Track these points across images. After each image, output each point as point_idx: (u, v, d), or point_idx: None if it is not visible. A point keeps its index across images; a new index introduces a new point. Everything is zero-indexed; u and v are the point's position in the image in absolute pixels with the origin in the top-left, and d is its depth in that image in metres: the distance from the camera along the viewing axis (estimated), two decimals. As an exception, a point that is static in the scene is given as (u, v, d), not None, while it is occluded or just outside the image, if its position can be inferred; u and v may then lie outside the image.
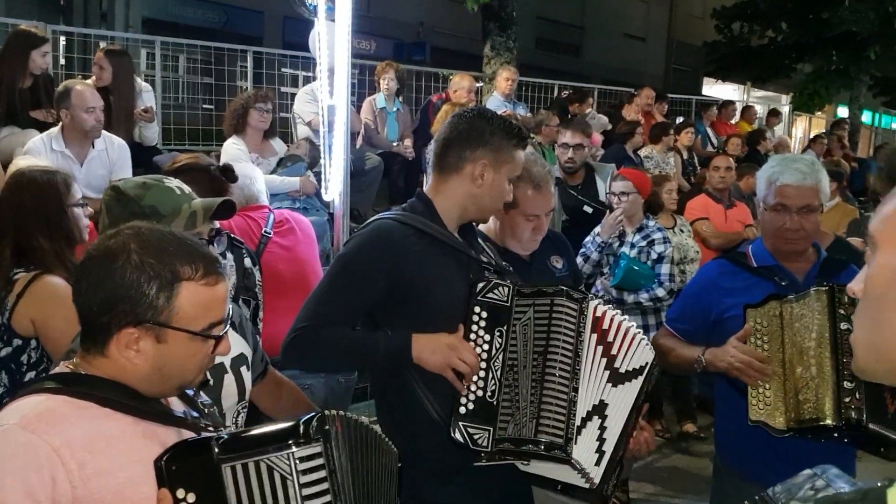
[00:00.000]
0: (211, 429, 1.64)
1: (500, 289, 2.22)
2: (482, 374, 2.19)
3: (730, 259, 2.91)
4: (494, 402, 2.16)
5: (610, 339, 2.22)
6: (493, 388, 2.17)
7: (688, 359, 2.70)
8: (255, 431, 1.54)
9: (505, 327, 2.20)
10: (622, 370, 2.23)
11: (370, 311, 2.32)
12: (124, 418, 1.53)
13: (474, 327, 2.21)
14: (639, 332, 2.27)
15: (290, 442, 1.47)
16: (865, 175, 11.77)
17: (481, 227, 2.93)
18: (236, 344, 2.10)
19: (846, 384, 2.36)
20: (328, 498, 1.48)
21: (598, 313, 2.21)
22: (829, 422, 2.37)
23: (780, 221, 2.67)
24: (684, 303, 3.00)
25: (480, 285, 2.23)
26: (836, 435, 2.41)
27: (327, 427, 1.50)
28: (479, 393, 2.18)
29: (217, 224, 2.34)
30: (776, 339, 2.52)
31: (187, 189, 2.22)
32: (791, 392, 2.46)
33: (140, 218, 2.04)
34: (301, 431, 1.47)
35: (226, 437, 1.51)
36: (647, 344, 2.28)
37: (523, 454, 2.15)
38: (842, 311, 2.41)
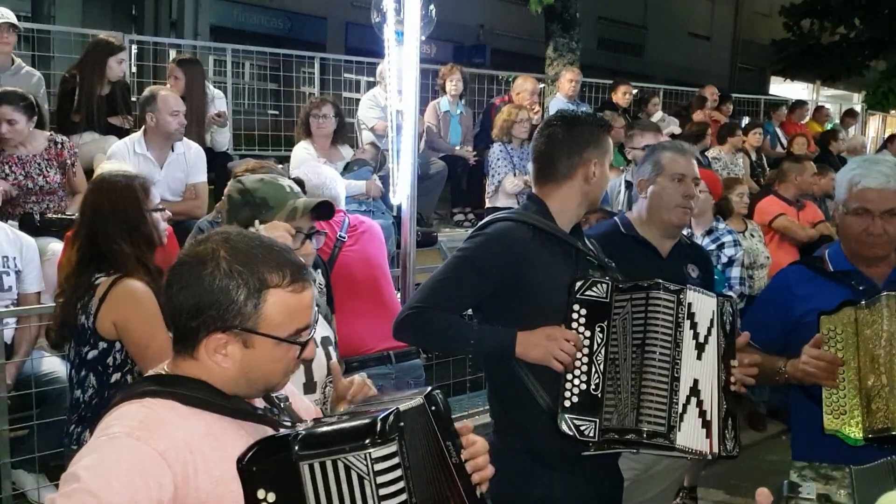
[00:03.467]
0: (288, 423, 1.66)
1: (599, 286, 2.34)
2: (584, 367, 2.31)
3: (806, 264, 2.84)
4: (599, 395, 2.29)
5: (696, 319, 2.31)
6: (597, 380, 2.30)
7: (768, 370, 2.65)
8: (332, 427, 1.54)
9: (605, 323, 2.31)
10: (701, 338, 2.31)
11: (479, 302, 2.48)
12: (210, 416, 1.56)
13: (574, 324, 2.33)
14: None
15: (367, 441, 1.46)
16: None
17: (628, 214, 3.10)
18: (322, 327, 2.27)
19: None
20: (404, 497, 1.48)
21: (692, 299, 2.30)
22: None
23: (863, 225, 2.59)
24: (758, 311, 2.94)
25: (578, 284, 2.35)
26: None
27: (402, 424, 1.50)
28: (583, 386, 2.30)
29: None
30: (851, 346, 2.46)
31: (297, 189, 2.45)
32: (865, 400, 2.41)
33: (252, 207, 2.32)
34: (378, 430, 1.47)
35: (303, 433, 1.52)
36: (707, 294, 2.37)
37: (628, 443, 2.27)
38: None
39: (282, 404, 1.75)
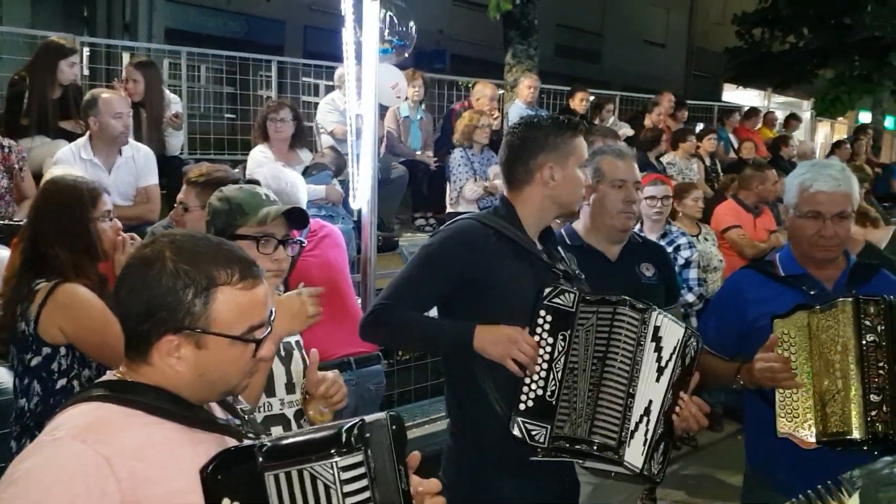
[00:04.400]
0: (252, 436, 1.64)
1: (566, 294, 2.34)
2: (543, 374, 2.31)
3: (756, 269, 2.88)
4: (553, 402, 2.29)
5: (662, 343, 2.30)
6: (553, 388, 2.30)
7: (724, 376, 2.69)
8: (297, 439, 1.53)
9: (568, 332, 2.32)
10: (663, 362, 2.31)
11: (444, 300, 2.52)
12: (171, 426, 1.53)
13: (538, 329, 2.34)
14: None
15: (333, 451, 1.45)
16: (890, 180, 11.69)
17: (574, 224, 3.09)
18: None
19: (872, 397, 2.36)
20: None
21: (659, 323, 2.29)
22: (856, 435, 2.37)
23: (815, 228, 2.63)
24: (712, 315, 2.98)
25: (547, 290, 2.35)
26: (864, 449, 2.39)
27: (368, 434, 1.49)
28: (539, 392, 2.30)
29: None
30: (804, 350, 2.50)
31: (273, 197, 2.48)
32: (819, 404, 2.45)
33: (228, 213, 2.35)
34: (343, 440, 1.46)
35: (268, 444, 1.51)
36: (678, 322, 2.35)
37: (577, 453, 2.27)
38: (867, 323, 2.40)
39: (246, 416, 1.73)
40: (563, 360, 2.31)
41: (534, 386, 2.31)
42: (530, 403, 2.31)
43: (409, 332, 2.49)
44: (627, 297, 2.31)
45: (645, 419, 2.26)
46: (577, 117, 8.94)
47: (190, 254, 1.54)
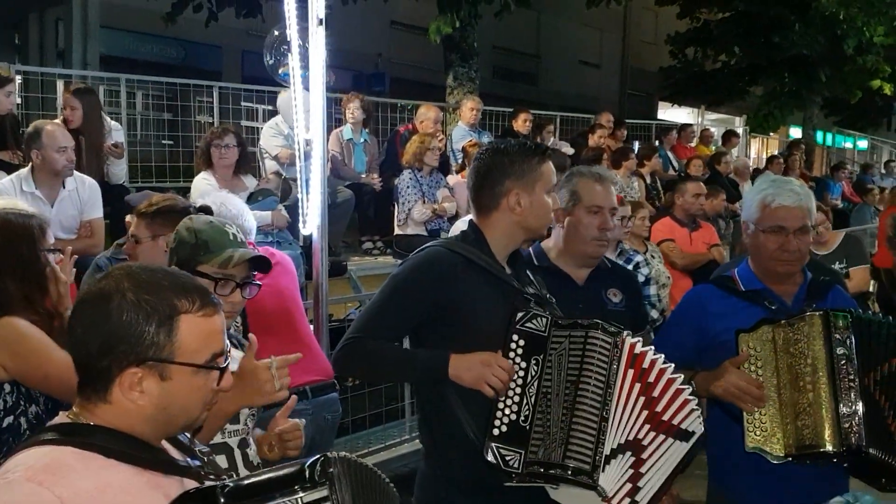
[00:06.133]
0: (212, 477, 1.61)
1: (539, 319, 2.33)
2: (517, 398, 2.29)
3: (717, 284, 2.90)
4: (527, 427, 2.27)
5: (650, 380, 2.29)
6: (527, 412, 2.28)
7: None
8: (259, 478, 1.51)
9: (541, 356, 2.30)
10: (669, 421, 2.28)
11: (415, 329, 2.49)
12: (128, 469, 1.49)
13: (511, 354, 2.32)
14: (686, 389, 2.31)
15: (297, 487, 1.44)
16: (823, 193, 12.06)
17: (544, 244, 3.04)
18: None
19: (844, 409, 2.38)
20: None
21: (637, 351, 2.28)
22: (828, 448, 2.39)
23: (778, 243, 2.67)
24: (671, 331, 2.97)
25: (520, 315, 2.33)
26: (835, 461, 2.42)
27: (331, 470, 1.48)
28: (513, 417, 2.29)
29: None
30: (770, 364, 2.51)
31: (241, 238, 2.48)
32: (789, 418, 2.46)
33: (194, 247, 2.34)
34: (307, 476, 1.45)
35: (230, 485, 1.47)
36: (697, 412, 2.32)
37: (551, 477, 2.25)
38: (837, 336, 2.43)
39: (205, 458, 1.69)
40: (536, 384, 2.29)
41: (507, 411, 2.29)
42: (504, 428, 2.28)
43: (382, 364, 2.47)
44: (599, 321, 2.31)
45: (629, 454, 2.24)
46: (521, 139, 9.08)
47: (149, 284, 1.52)
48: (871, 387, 2.43)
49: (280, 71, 4.25)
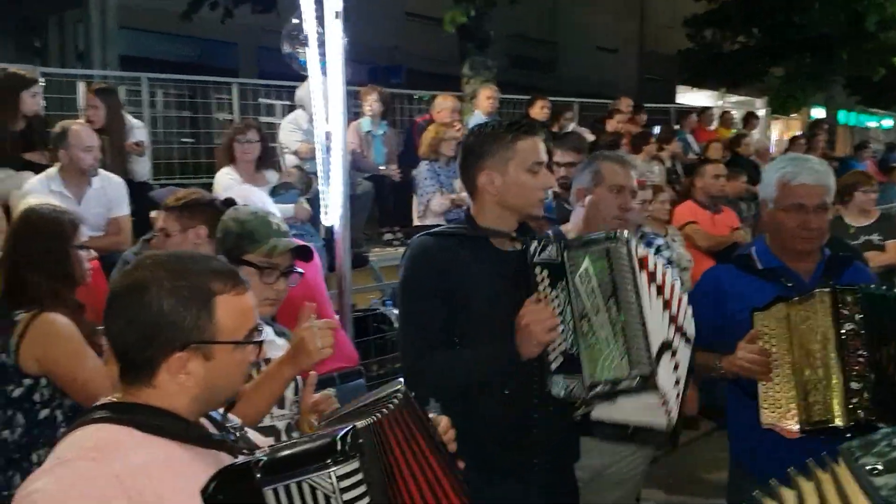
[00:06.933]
0: (245, 451, 1.65)
1: (550, 247, 2.32)
2: (560, 328, 2.28)
3: (735, 263, 2.92)
4: (575, 353, 2.25)
5: (658, 281, 2.32)
6: (571, 338, 2.27)
7: (704, 365, 2.71)
8: (293, 450, 1.53)
9: (563, 280, 2.29)
10: (682, 323, 2.35)
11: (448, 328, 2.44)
12: (171, 444, 1.55)
13: (540, 287, 2.31)
14: (685, 294, 2.40)
15: (329, 460, 1.46)
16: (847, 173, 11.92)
17: (563, 227, 3.09)
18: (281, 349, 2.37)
19: (853, 385, 2.41)
20: None
21: (640, 254, 2.29)
22: (838, 423, 2.42)
23: (798, 221, 2.68)
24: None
25: (533, 247, 2.33)
26: (848, 436, 2.43)
27: (361, 441, 1.51)
28: (562, 347, 2.28)
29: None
30: (784, 341, 2.54)
31: (285, 228, 2.57)
32: (801, 394, 2.49)
33: (240, 237, 2.43)
34: (339, 448, 1.47)
35: (265, 459, 1.51)
36: (691, 313, 2.41)
37: (619, 392, 2.22)
38: (845, 312, 2.45)
39: (237, 432, 1.73)
40: (569, 309, 2.28)
41: (555, 343, 2.29)
42: (560, 359, 2.29)
43: (453, 381, 2.44)
44: (611, 234, 2.30)
45: (668, 353, 2.27)
46: (539, 125, 9.05)
47: (182, 270, 1.58)
48: (882, 361, 2.44)
49: (300, 58, 4.27)
